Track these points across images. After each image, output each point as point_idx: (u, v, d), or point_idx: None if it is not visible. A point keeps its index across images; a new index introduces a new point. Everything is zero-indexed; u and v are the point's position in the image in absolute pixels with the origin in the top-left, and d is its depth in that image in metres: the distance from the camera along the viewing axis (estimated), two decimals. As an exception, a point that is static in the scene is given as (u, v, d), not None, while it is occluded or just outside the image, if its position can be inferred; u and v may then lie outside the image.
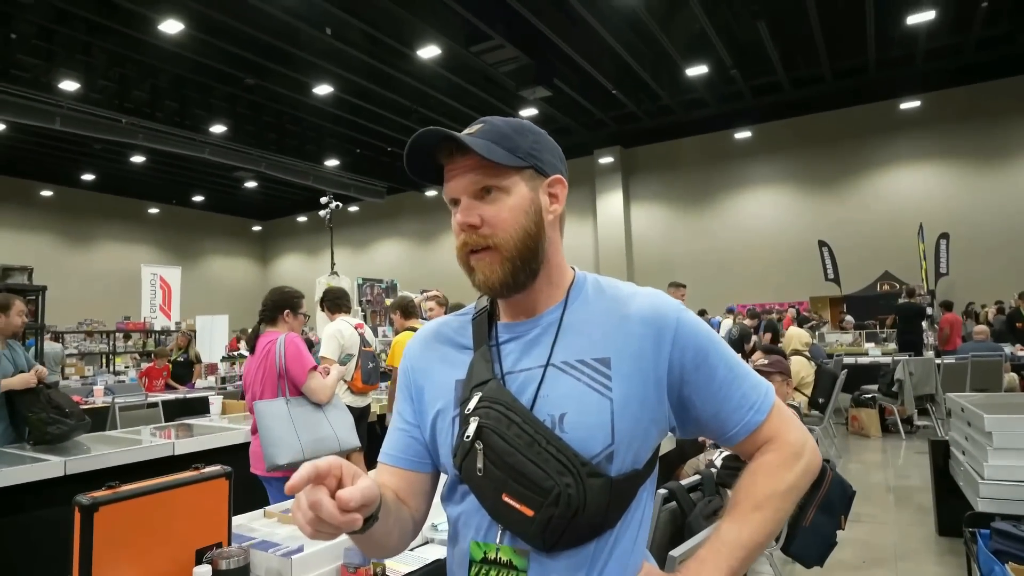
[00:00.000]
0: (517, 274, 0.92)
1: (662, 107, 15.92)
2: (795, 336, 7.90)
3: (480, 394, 0.91)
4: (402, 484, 1.00)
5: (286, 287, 3.36)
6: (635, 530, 0.92)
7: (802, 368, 6.28)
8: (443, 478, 1.03)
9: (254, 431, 3.10)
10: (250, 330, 3.28)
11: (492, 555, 0.90)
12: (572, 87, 13.93)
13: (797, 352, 6.86)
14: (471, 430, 0.88)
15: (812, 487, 1.85)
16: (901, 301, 10.46)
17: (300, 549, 1.69)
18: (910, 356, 8.11)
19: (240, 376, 7.95)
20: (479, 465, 0.87)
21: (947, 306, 11.72)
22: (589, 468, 0.85)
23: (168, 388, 7.80)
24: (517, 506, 0.85)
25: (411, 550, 1.94)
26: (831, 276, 14.93)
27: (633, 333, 0.92)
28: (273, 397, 3.01)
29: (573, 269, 1.02)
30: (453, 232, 0.95)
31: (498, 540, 0.90)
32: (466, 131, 0.94)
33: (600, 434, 0.87)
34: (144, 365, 8.66)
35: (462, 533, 0.96)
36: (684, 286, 6.46)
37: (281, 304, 3.21)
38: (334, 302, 4.60)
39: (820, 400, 6.14)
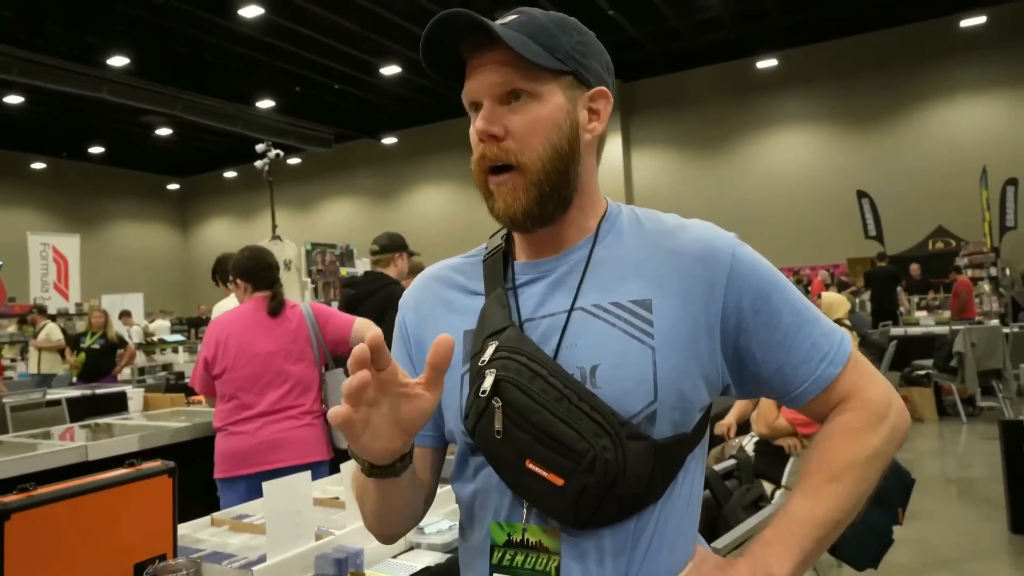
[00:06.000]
0: (545, 202, 0.93)
1: (669, 31, 15.81)
2: (835, 303, 7.93)
3: (496, 343, 0.91)
4: None
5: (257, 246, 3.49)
6: (683, 507, 0.93)
7: (845, 341, 6.37)
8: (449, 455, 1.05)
9: (220, 427, 3.07)
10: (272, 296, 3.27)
11: (518, 537, 0.91)
12: (558, 5, 13.73)
13: (838, 322, 6.95)
14: (487, 384, 0.88)
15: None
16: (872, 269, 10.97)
17: (262, 559, 1.68)
18: (969, 326, 8.26)
19: (163, 366, 7.86)
20: (497, 427, 0.87)
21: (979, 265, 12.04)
22: (628, 428, 0.86)
23: (83, 381, 7.67)
24: (544, 474, 0.85)
25: (394, 557, 1.95)
26: (872, 233, 15.04)
27: (679, 271, 0.94)
28: (308, 370, 3.10)
29: (606, 200, 1.04)
30: (471, 143, 0.96)
31: (524, 519, 0.91)
32: (499, 21, 0.94)
33: (640, 389, 0.88)
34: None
35: (478, 516, 0.97)
36: None
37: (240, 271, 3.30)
38: (227, 272, 4.59)
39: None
